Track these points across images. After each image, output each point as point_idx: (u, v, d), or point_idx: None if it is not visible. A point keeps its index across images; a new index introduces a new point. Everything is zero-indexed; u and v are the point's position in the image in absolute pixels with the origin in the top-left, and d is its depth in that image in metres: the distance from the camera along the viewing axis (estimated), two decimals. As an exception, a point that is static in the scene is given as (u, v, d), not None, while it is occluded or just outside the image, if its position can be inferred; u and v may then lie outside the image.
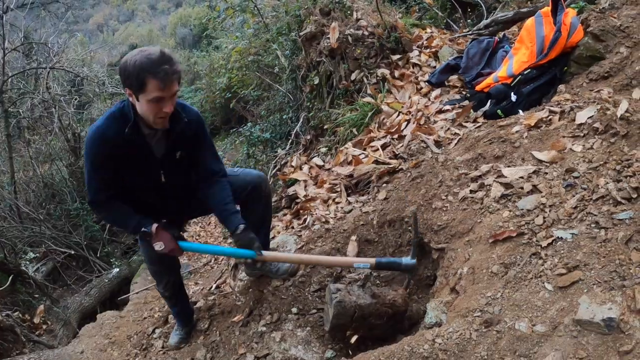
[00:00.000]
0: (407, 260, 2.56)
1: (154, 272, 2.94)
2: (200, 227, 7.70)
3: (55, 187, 8.64)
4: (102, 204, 2.43)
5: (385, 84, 4.76)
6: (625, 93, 2.94)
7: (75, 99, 9.50)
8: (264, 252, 2.51)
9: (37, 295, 5.37)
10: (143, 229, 2.41)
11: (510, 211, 2.40)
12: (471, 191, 2.70)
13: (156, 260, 2.78)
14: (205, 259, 4.49)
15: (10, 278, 4.86)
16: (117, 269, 6.70)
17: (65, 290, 6.90)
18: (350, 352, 2.37)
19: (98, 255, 7.61)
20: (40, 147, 9.08)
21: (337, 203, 3.60)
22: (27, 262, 6.42)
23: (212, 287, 3.59)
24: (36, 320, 4.89)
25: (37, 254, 7.01)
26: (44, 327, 4.96)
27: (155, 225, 2.43)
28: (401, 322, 2.47)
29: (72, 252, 7.36)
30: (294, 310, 2.79)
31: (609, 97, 2.84)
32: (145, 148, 2.33)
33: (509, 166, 2.72)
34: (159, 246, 2.42)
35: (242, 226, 2.46)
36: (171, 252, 2.48)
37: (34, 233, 7.42)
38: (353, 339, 2.43)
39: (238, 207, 2.63)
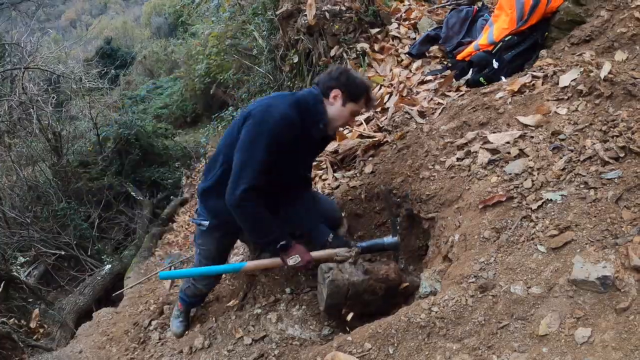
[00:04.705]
0: (389, 239, 2.60)
1: None
2: (189, 216, 7.66)
3: (40, 189, 8.52)
4: (256, 193, 2.29)
5: (366, 58, 4.71)
6: (607, 55, 2.93)
7: (53, 98, 9.30)
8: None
9: (31, 300, 5.29)
10: (283, 242, 2.41)
11: (498, 176, 2.40)
12: (458, 159, 2.70)
13: (216, 260, 2.74)
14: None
15: (2, 284, 4.79)
16: (109, 266, 6.63)
17: (59, 292, 6.84)
18: (347, 328, 2.37)
19: (89, 253, 7.55)
20: (21, 150, 8.92)
21: (324, 180, 3.59)
22: (18, 267, 6.33)
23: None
24: (32, 324, 4.83)
25: (28, 258, 6.93)
26: (41, 330, 4.91)
27: (294, 241, 2.45)
28: (395, 297, 2.47)
29: (63, 253, 7.28)
30: (288, 290, 2.80)
31: (592, 60, 2.83)
32: (312, 144, 2.57)
33: (494, 132, 2.71)
34: (293, 260, 2.42)
35: (332, 235, 2.63)
36: (306, 265, 2.48)
37: (23, 237, 7.32)
38: (349, 317, 2.44)
39: None
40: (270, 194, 2.42)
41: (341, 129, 3.33)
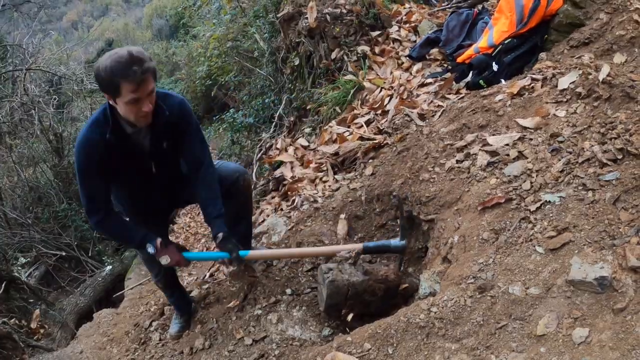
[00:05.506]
0: (396, 242, 2.55)
1: (146, 261, 2.92)
2: (189, 217, 7.67)
3: (41, 189, 8.50)
4: (99, 214, 2.38)
5: (366, 60, 4.72)
6: (606, 58, 2.94)
7: (55, 99, 9.29)
8: (250, 252, 2.59)
9: (32, 300, 5.29)
10: (148, 247, 2.45)
11: (497, 178, 2.41)
12: (457, 161, 2.71)
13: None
14: (197, 249, 4.47)
15: (3, 285, 4.80)
16: (110, 267, 6.64)
17: (60, 293, 6.85)
18: (347, 329, 2.38)
19: (90, 254, 7.54)
20: (22, 151, 8.90)
21: (325, 182, 3.60)
22: (19, 268, 6.33)
23: (205, 275, 3.58)
24: (33, 325, 4.84)
25: (29, 259, 6.93)
26: (42, 331, 4.91)
27: (159, 241, 2.45)
28: (395, 297, 2.48)
29: (64, 254, 7.28)
30: (288, 291, 2.80)
31: (591, 62, 2.83)
32: (132, 146, 2.31)
33: (493, 134, 2.72)
34: (164, 260, 2.47)
35: (220, 235, 2.48)
36: (177, 264, 2.54)
37: (24, 238, 7.31)
38: (349, 317, 2.44)
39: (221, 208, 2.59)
40: (143, 200, 2.55)
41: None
